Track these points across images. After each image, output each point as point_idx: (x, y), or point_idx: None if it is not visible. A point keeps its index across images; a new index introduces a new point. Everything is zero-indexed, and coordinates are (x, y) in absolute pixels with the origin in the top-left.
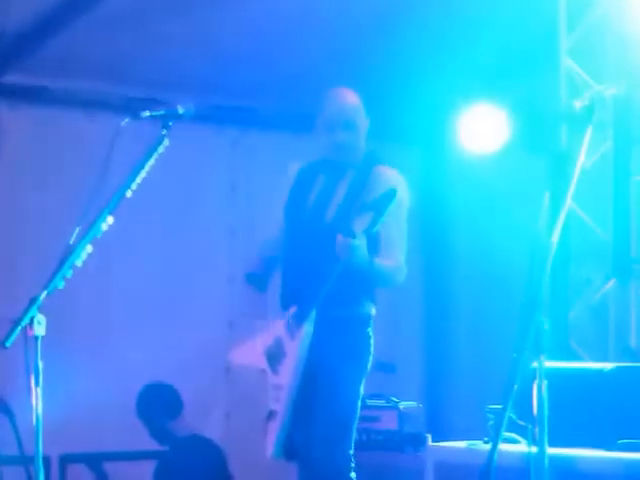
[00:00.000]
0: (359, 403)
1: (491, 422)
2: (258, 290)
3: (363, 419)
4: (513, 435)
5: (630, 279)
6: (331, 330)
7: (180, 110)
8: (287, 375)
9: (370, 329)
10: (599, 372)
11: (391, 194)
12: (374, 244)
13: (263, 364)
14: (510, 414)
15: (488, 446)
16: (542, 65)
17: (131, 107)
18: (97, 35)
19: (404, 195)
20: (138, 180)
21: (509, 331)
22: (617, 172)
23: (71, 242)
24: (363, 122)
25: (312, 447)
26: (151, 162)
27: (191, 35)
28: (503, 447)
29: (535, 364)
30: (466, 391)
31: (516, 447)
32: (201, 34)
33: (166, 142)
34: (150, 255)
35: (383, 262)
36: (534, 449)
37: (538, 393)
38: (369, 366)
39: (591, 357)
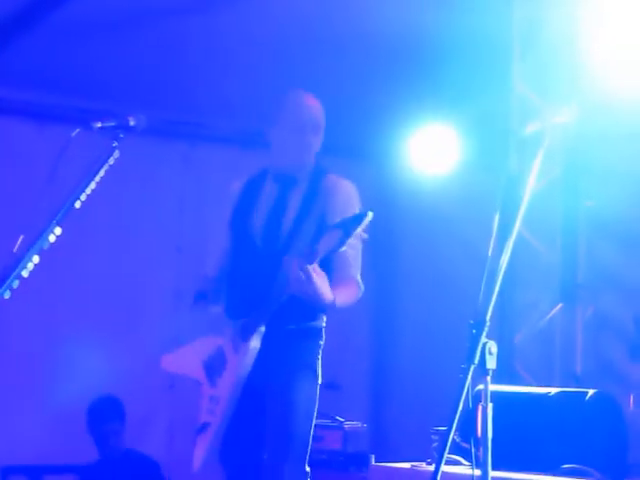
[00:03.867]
0: (314, 418)
1: (435, 443)
2: (208, 307)
3: None
4: (456, 457)
5: (577, 304)
6: (284, 344)
7: (131, 122)
8: (225, 388)
9: (322, 341)
10: (544, 396)
11: (361, 216)
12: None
13: (199, 375)
14: (454, 436)
15: (431, 467)
16: (495, 88)
17: (82, 118)
18: (49, 47)
19: (354, 203)
20: (87, 191)
21: (456, 352)
22: (566, 197)
23: (15, 251)
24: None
25: (265, 466)
26: (101, 174)
27: (144, 49)
28: (446, 469)
29: (480, 387)
30: (411, 412)
31: (459, 469)
32: (154, 48)
33: (116, 154)
34: (96, 268)
35: (340, 290)
36: (477, 472)
37: (483, 415)
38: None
39: (536, 381)
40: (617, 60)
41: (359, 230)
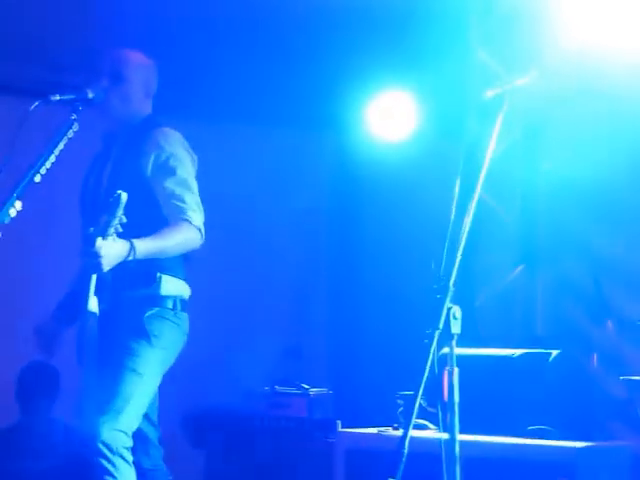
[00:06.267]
0: (144, 382)
1: (401, 408)
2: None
3: (273, 406)
4: (423, 421)
5: (537, 266)
6: (115, 311)
7: (90, 94)
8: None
9: (156, 310)
10: (508, 358)
11: (117, 199)
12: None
13: None
14: (420, 401)
15: (398, 432)
16: (453, 52)
17: (40, 90)
18: (5, 16)
19: (172, 149)
20: (47, 165)
21: (419, 317)
22: (526, 160)
23: None
24: (135, 77)
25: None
26: (60, 147)
27: (101, 19)
28: (414, 433)
29: (445, 350)
30: (376, 377)
31: (427, 433)
32: (112, 18)
33: (75, 127)
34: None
35: (164, 234)
36: (445, 435)
37: (449, 380)
38: (164, 342)
39: (498, 344)
40: (576, 20)
41: (120, 212)
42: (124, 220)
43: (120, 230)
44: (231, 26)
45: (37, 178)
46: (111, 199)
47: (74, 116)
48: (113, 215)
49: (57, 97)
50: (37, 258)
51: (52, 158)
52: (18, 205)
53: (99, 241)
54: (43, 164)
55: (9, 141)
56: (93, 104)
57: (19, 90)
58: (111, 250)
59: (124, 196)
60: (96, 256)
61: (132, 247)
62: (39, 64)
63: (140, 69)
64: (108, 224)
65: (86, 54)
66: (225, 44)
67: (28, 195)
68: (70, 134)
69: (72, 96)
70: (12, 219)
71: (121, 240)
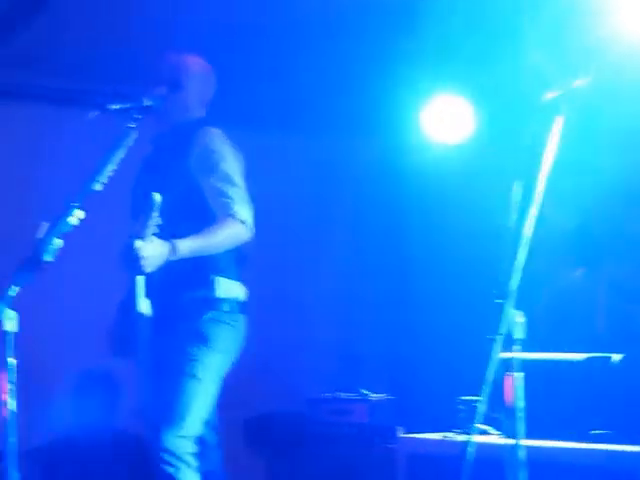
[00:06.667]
0: (204, 387)
1: (462, 414)
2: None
3: (334, 412)
4: (485, 427)
5: (598, 268)
6: (170, 315)
7: (146, 102)
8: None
9: (212, 313)
10: (570, 363)
11: (150, 201)
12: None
13: None
14: (483, 406)
15: (460, 437)
16: (509, 54)
17: (98, 101)
18: (62, 30)
19: (216, 146)
20: (107, 173)
21: (479, 322)
22: (583, 162)
23: (39, 236)
24: (193, 85)
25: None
26: (120, 155)
27: (154, 29)
28: (477, 439)
29: (508, 355)
30: (437, 382)
31: (490, 439)
32: (164, 28)
33: (134, 135)
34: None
35: (212, 232)
36: (508, 440)
37: (512, 385)
38: (223, 346)
39: (560, 348)
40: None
41: (154, 214)
42: (159, 222)
43: (157, 231)
44: (280, 33)
45: (98, 186)
46: (146, 201)
47: (132, 124)
48: (148, 217)
49: (115, 106)
50: (98, 265)
51: (112, 166)
52: (80, 214)
53: (138, 243)
54: (103, 173)
55: (71, 150)
56: (150, 112)
57: (79, 100)
58: (151, 251)
59: (157, 198)
60: (137, 258)
61: (173, 247)
62: (97, 74)
63: (198, 76)
64: (144, 226)
65: (143, 61)
66: (275, 51)
67: (89, 203)
68: (129, 142)
69: (130, 105)
70: (74, 227)
71: (161, 241)
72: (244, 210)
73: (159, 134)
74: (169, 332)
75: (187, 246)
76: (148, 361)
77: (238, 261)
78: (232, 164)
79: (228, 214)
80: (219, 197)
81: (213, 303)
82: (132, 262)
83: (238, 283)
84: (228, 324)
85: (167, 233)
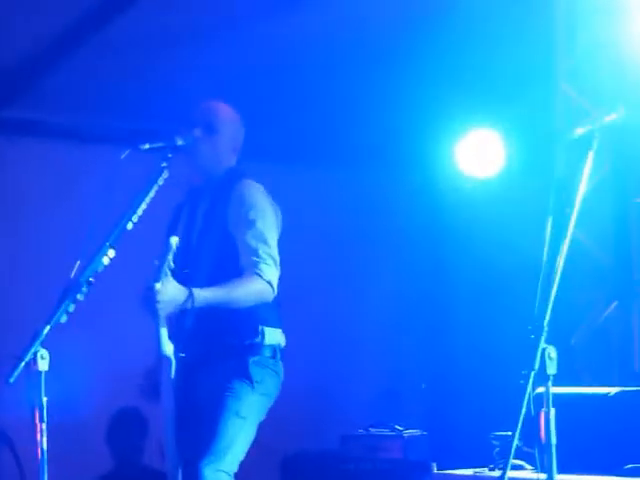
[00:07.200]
0: (247, 426)
1: (497, 449)
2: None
3: (368, 448)
4: (520, 462)
5: (632, 301)
6: (214, 357)
7: (179, 142)
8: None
9: (258, 357)
10: (604, 397)
11: (167, 244)
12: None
13: None
14: (517, 441)
15: (494, 473)
16: (539, 89)
17: (130, 139)
18: (93, 69)
19: (254, 201)
20: (139, 212)
21: (512, 357)
22: (616, 195)
23: (72, 276)
24: (226, 130)
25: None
26: (151, 194)
27: (188, 67)
28: (511, 474)
29: (541, 390)
30: (470, 418)
31: (524, 474)
32: (197, 67)
33: (165, 174)
34: None
35: (229, 287)
36: (542, 476)
37: (545, 421)
38: (264, 389)
39: (595, 381)
40: None
41: (169, 256)
42: (172, 265)
43: (167, 274)
44: (314, 68)
45: (129, 226)
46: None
47: (164, 164)
48: (164, 259)
49: (147, 146)
50: (130, 305)
51: (143, 205)
52: (111, 253)
53: (157, 286)
54: (135, 212)
55: (101, 189)
56: (182, 151)
57: (110, 139)
58: (166, 295)
59: (173, 241)
60: (153, 301)
61: (191, 295)
62: (127, 113)
63: (230, 123)
64: (160, 268)
65: (173, 103)
66: (312, 87)
67: (121, 242)
68: (160, 181)
69: (161, 144)
70: (105, 267)
71: (179, 286)
72: (270, 271)
73: (193, 187)
74: (211, 371)
75: (204, 297)
76: (173, 401)
77: (279, 308)
78: (269, 221)
79: (254, 272)
80: (250, 254)
81: (259, 348)
82: (148, 305)
83: (279, 330)
84: (271, 369)
85: (192, 280)
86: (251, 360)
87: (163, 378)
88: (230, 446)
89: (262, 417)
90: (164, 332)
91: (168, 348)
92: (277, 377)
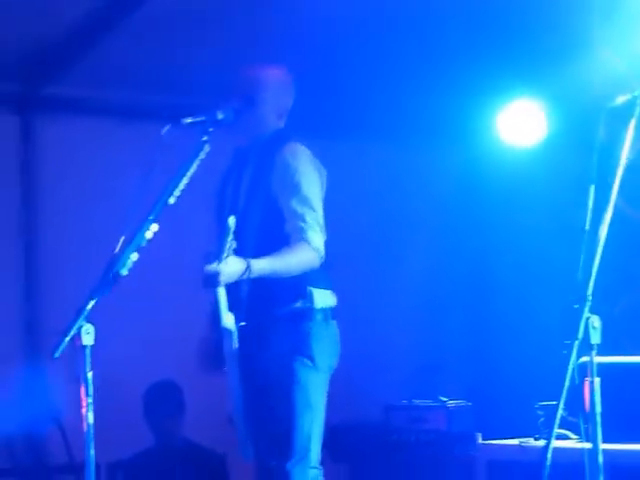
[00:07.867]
0: (318, 413)
1: (541, 419)
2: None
3: (412, 419)
4: (564, 431)
5: None
6: (268, 328)
7: (220, 116)
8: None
9: (312, 323)
10: None
11: (227, 226)
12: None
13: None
14: (561, 411)
15: (540, 443)
16: (580, 58)
17: (171, 114)
18: (134, 44)
19: (299, 165)
20: (181, 187)
21: (557, 326)
22: None
23: (116, 251)
24: (269, 98)
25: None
26: (193, 169)
27: (227, 39)
28: (556, 443)
29: (585, 359)
30: (514, 388)
31: (569, 443)
32: (236, 38)
33: (207, 148)
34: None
35: (282, 255)
36: (587, 445)
37: (590, 390)
38: (325, 363)
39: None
40: None
41: (229, 238)
42: (234, 246)
43: (232, 254)
44: (362, 42)
45: (171, 200)
46: (222, 226)
47: (205, 138)
48: (224, 242)
49: (188, 120)
50: (173, 279)
51: (185, 180)
52: (154, 227)
53: (218, 266)
54: (177, 186)
55: (144, 165)
56: (224, 125)
57: (152, 114)
58: (227, 268)
59: (232, 222)
60: (215, 274)
61: (249, 265)
62: (168, 88)
63: (275, 90)
64: (221, 250)
65: (216, 76)
66: (351, 61)
67: (163, 217)
68: (202, 156)
69: (203, 118)
70: (148, 241)
71: (238, 258)
72: (318, 237)
73: (239, 149)
74: (269, 347)
75: (259, 268)
76: (237, 373)
77: (327, 269)
78: (313, 185)
79: (302, 238)
80: (296, 220)
81: (311, 313)
82: (209, 278)
83: (329, 292)
84: (326, 337)
85: (241, 249)
86: (306, 331)
87: (225, 350)
88: (309, 441)
89: (326, 390)
90: (224, 304)
91: (229, 320)
92: (334, 344)
